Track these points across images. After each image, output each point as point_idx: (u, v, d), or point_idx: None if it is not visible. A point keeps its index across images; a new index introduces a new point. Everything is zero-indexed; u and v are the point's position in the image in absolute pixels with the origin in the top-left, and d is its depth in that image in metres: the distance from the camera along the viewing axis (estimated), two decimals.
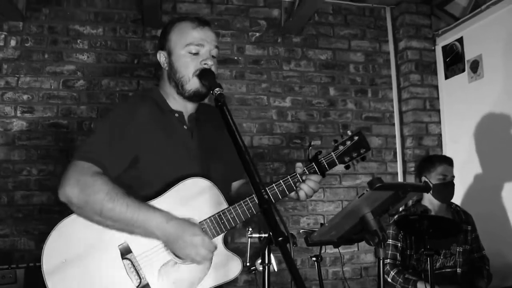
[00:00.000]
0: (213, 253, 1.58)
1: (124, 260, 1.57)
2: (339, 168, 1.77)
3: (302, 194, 1.71)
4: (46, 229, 3.32)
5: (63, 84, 3.55)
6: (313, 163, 1.73)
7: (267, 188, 1.64)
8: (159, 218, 1.55)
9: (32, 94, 3.48)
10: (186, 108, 1.82)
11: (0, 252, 3.23)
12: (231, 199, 1.71)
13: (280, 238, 1.16)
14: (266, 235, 1.33)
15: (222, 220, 1.63)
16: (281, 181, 1.69)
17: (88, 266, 1.54)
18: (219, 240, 1.65)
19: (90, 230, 1.55)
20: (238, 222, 1.64)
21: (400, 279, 2.94)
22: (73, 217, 1.58)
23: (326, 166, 1.74)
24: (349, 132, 1.78)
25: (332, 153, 1.76)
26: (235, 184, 1.99)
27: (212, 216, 1.63)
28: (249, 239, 1.36)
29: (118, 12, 3.71)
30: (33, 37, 3.53)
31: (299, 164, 1.74)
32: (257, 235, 1.34)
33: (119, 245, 1.58)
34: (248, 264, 1.41)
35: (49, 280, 1.52)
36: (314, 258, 2.91)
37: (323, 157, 1.75)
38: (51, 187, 3.36)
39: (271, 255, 1.58)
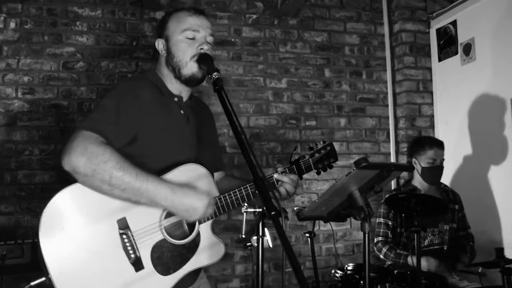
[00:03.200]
0: (212, 203, 1.69)
1: (121, 234, 1.62)
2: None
3: (282, 190, 1.85)
4: None
5: (63, 65, 3.61)
6: (294, 166, 1.90)
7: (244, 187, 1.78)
8: (166, 189, 1.60)
9: (33, 75, 3.54)
10: (182, 94, 1.91)
11: (5, 229, 3.34)
12: None
13: (272, 212, 1.26)
14: (260, 209, 1.43)
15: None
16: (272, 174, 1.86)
17: (84, 235, 1.58)
18: (208, 225, 1.76)
19: (90, 201, 1.59)
20: (226, 211, 1.75)
21: (391, 255, 3.09)
22: (74, 187, 1.60)
23: (304, 169, 1.93)
24: (321, 142, 1.97)
25: (310, 159, 1.94)
26: (216, 176, 2.05)
27: None
28: (245, 213, 1.47)
29: None
30: (32, 19, 3.58)
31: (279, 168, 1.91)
32: (252, 210, 1.45)
33: (117, 219, 1.63)
34: (244, 236, 1.52)
35: (43, 243, 1.53)
36: (307, 234, 3.03)
37: (302, 161, 1.92)
38: (52, 167, 3.46)
39: (266, 231, 1.68)
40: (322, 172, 1.98)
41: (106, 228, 1.60)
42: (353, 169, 1.46)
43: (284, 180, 1.84)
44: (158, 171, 1.69)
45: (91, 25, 3.69)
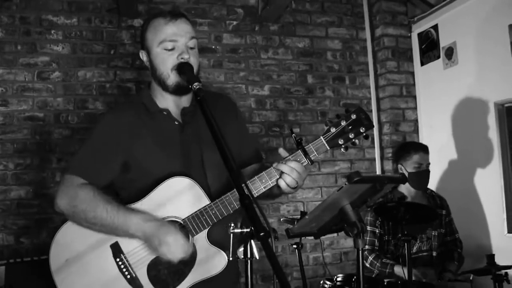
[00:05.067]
0: (187, 252, 1.61)
1: (116, 258, 1.67)
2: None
3: (281, 182, 1.62)
4: (24, 223, 3.29)
5: (38, 76, 3.48)
6: (299, 150, 1.64)
7: (249, 182, 1.63)
8: (136, 219, 1.62)
9: (6, 86, 3.40)
10: (178, 102, 1.82)
11: None
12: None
13: (261, 233, 1.18)
14: (248, 230, 1.35)
15: (203, 216, 1.64)
16: (263, 172, 1.65)
17: (85, 265, 1.67)
18: (202, 236, 1.67)
19: (86, 232, 1.69)
20: (220, 217, 1.64)
21: (377, 263, 3.03)
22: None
23: (314, 151, 1.65)
24: (345, 111, 1.65)
25: (322, 137, 1.65)
26: (248, 170, 1.91)
27: (194, 213, 1.65)
28: (232, 234, 1.38)
29: (93, 2, 3.63)
30: (4, 28, 3.44)
31: (281, 150, 1.68)
32: (239, 230, 1.36)
33: (110, 245, 1.68)
34: (231, 258, 1.43)
35: (55, 278, 1.67)
36: (294, 246, 2.96)
37: (311, 143, 1.65)
38: (28, 181, 3.31)
39: (253, 243, 1.59)
40: (352, 145, 1.63)
41: (101, 255, 1.68)
42: (345, 184, 1.40)
43: (283, 171, 1.60)
44: (148, 190, 1.69)
45: (67, 34, 3.57)
